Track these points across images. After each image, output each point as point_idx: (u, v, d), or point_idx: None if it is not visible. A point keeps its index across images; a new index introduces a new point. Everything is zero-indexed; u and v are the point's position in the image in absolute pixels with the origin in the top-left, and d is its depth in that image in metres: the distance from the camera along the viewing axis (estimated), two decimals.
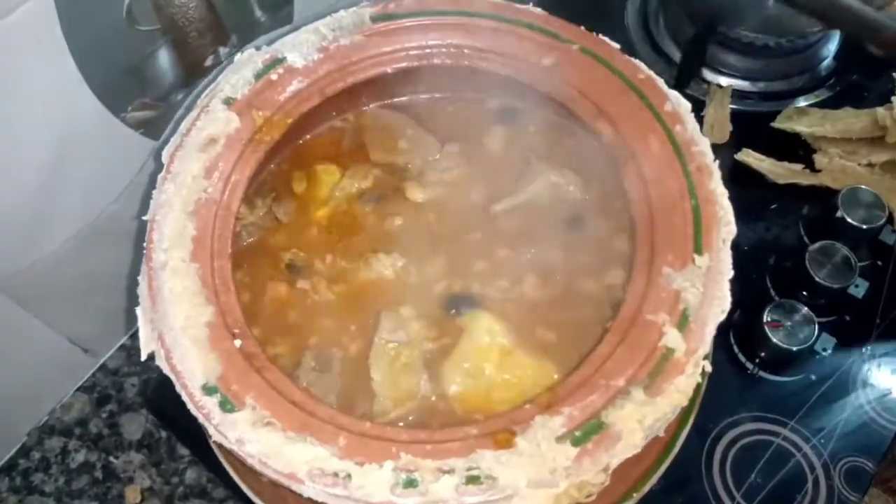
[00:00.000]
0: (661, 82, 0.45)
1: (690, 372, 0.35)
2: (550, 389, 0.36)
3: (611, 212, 0.47)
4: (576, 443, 0.33)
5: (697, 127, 0.42)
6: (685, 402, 0.35)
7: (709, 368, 0.36)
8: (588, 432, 0.34)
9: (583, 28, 0.48)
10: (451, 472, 0.33)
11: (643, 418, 0.34)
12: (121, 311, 0.68)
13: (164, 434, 0.65)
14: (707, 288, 0.37)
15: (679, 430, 0.44)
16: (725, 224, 0.39)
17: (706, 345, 0.36)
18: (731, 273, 0.38)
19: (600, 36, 0.47)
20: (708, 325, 0.36)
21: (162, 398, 0.64)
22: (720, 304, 0.37)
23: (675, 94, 0.44)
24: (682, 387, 0.35)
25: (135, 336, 0.70)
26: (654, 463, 0.43)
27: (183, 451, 0.65)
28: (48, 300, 0.60)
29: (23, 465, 0.64)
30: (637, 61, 0.46)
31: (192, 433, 0.61)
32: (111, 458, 0.64)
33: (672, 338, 0.36)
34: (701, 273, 0.37)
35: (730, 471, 0.56)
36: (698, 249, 0.38)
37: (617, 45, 0.46)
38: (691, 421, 0.45)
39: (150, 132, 0.59)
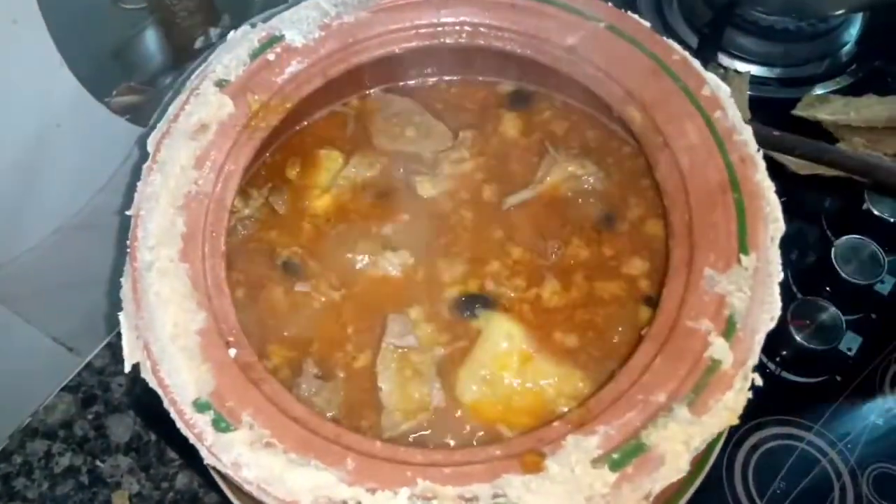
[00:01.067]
0: (697, 64, 0.41)
1: (739, 386, 0.31)
2: (581, 404, 0.33)
3: (637, 205, 0.45)
4: (614, 466, 0.30)
5: (739, 114, 0.39)
6: (735, 421, 0.31)
7: (759, 382, 0.33)
8: (627, 455, 0.30)
9: (610, 4, 0.44)
10: (474, 500, 0.29)
11: (689, 439, 0.30)
12: (106, 308, 0.66)
13: (153, 437, 0.64)
14: (755, 292, 0.34)
15: (714, 443, 0.41)
16: (773, 221, 0.36)
17: (755, 355, 0.32)
18: (780, 275, 0.35)
19: (629, 13, 0.44)
20: (758, 332, 0.33)
21: (150, 399, 0.61)
22: (770, 310, 0.33)
23: (713, 78, 0.40)
24: (731, 403, 0.31)
25: (121, 333, 0.68)
26: (687, 480, 0.39)
27: (173, 454, 0.63)
28: (30, 297, 0.59)
29: (4, 470, 0.62)
30: (670, 41, 0.42)
31: (182, 437, 0.59)
32: (97, 462, 0.63)
33: (718, 348, 0.32)
34: (748, 275, 0.34)
35: (752, 477, 0.55)
36: (744, 249, 0.35)
37: (647, 24, 0.43)
38: (724, 436, 0.42)
39: (136, 118, 0.57)
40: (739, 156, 0.37)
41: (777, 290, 0.34)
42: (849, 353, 0.59)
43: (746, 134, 0.38)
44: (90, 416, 0.64)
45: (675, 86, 0.40)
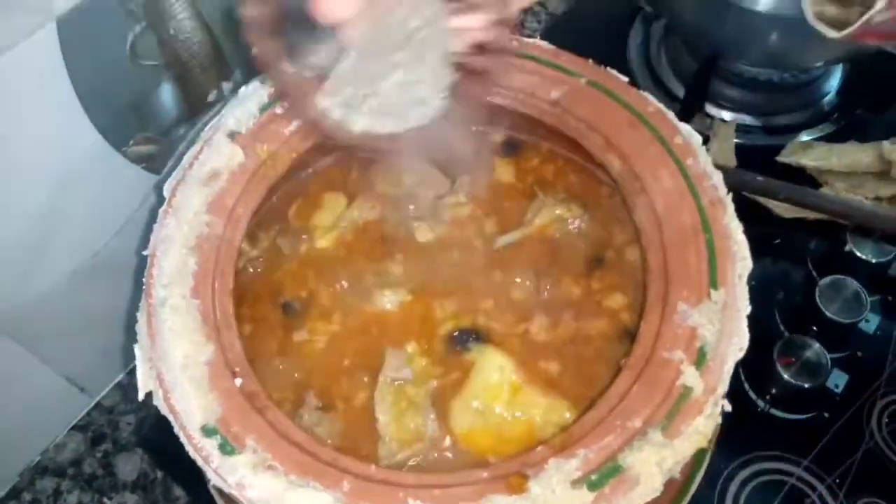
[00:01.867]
0: (671, 115, 0.44)
1: (709, 412, 0.34)
2: (564, 430, 0.35)
3: (619, 245, 0.47)
4: (592, 487, 0.32)
5: (709, 160, 0.42)
6: (705, 444, 0.33)
7: (728, 408, 0.35)
8: (605, 476, 0.32)
9: (590, 61, 0.47)
10: None
11: (662, 461, 0.32)
12: (117, 349, 0.67)
13: (159, 475, 0.64)
14: (724, 324, 0.36)
15: (695, 472, 0.42)
16: (741, 259, 0.38)
17: (724, 383, 0.35)
18: (748, 309, 0.37)
19: (608, 69, 0.47)
20: (726, 362, 0.35)
21: (158, 437, 0.63)
22: (738, 342, 0.36)
23: (685, 127, 0.43)
24: (702, 428, 0.33)
25: (131, 373, 0.69)
26: None
27: (178, 492, 0.63)
28: (45, 337, 0.59)
29: None
30: (646, 94, 0.45)
31: (188, 474, 0.60)
32: (105, 500, 0.63)
33: (690, 376, 0.35)
34: (717, 309, 0.36)
35: None
36: (714, 284, 0.37)
37: (625, 78, 0.46)
38: (706, 462, 0.44)
39: (152, 167, 0.58)
40: (710, 199, 0.40)
41: (745, 322, 0.36)
42: (836, 389, 0.59)
43: (716, 179, 0.41)
44: (99, 455, 0.65)
45: (651, 135, 0.43)
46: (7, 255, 0.52)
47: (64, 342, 0.61)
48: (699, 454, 0.42)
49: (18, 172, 0.49)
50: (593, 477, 0.32)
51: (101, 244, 0.59)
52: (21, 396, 0.60)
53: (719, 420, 0.34)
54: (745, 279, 0.38)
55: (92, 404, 0.67)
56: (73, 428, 0.66)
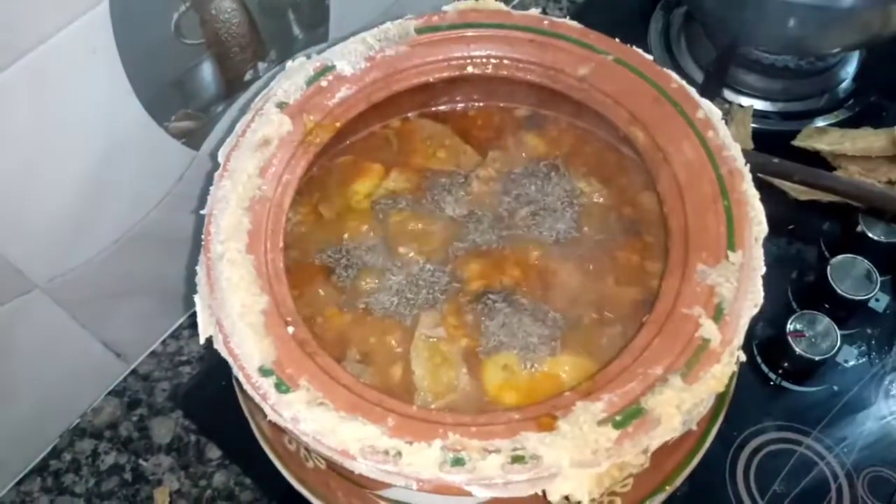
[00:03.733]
0: (693, 91, 0.46)
1: (726, 361, 0.36)
2: (590, 378, 0.38)
3: (637, 217, 0.49)
4: (617, 426, 0.35)
5: (728, 133, 0.44)
6: (721, 389, 0.36)
7: (743, 358, 0.37)
8: (628, 417, 0.35)
9: (617, 40, 0.50)
10: (497, 451, 0.34)
11: (681, 403, 0.35)
12: (154, 317, 0.70)
13: (192, 438, 0.67)
14: (741, 283, 0.38)
15: (710, 426, 0.45)
16: (757, 223, 0.41)
17: (740, 336, 0.37)
18: (763, 269, 0.39)
19: (634, 47, 0.49)
20: (742, 317, 0.38)
21: (194, 401, 0.65)
22: (753, 298, 0.38)
23: (706, 102, 0.46)
24: (719, 374, 0.36)
25: (165, 343, 0.71)
26: (686, 456, 0.44)
27: (211, 454, 0.66)
28: (86, 303, 0.61)
29: (54, 467, 0.65)
30: (669, 71, 0.48)
31: (222, 432, 0.63)
32: (140, 461, 0.65)
33: (708, 329, 0.37)
34: (735, 269, 0.39)
35: (753, 479, 0.57)
36: (731, 247, 0.40)
37: (650, 56, 0.48)
38: (722, 416, 0.46)
39: (191, 142, 0.61)
40: (728, 169, 0.42)
41: (759, 281, 0.39)
42: (846, 364, 0.61)
43: (735, 150, 0.43)
44: (135, 419, 0.67)
45: (674, 110, 0.45)
46: (55, 224, 0.54)
47: (103, 309, 0.63)
48: (715, 410, 0.45)
49: (68, 144, 0.52)
50: (618, 417, 0.35)
51: (141, 215, 0.61)
52: (62, 361, 0.63)
53: (735, 368, 0.37)
54: (760, 242, 0.40)
55: (128, 371, 0.69)
56: (109, 393, 0.68)
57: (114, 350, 0.68)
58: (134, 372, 0.70)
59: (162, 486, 0.64)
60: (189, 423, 0.67)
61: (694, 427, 0.38)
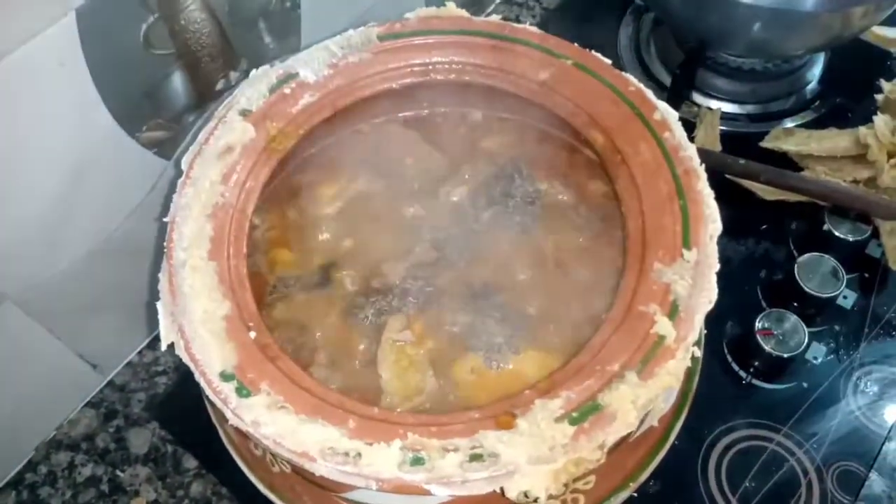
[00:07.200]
0: (650, 93, 0.47)
1: (681, 357, 0.37)
2: (549, 376, 0.38)
3: (598, 216, 0.50)
4: (573, 422, 0.35)
5: (685, 133, 0.45)
6: (676, 385, 0.36)
7: (698, 354, 0.38)
8: (585, 413, 0.36)
9: (576, 45, 0.50)
10: (455, 450, 0.35)
11: (636, 399, 0.36)
12: (129, 328, 0.69)
13: (169, 448, 0.66)
14: (695, 280, 0.39)
15: (673, 422, 0.45)
16: (712, 221, 0.41)
17: (695, 332, 0.38)
18: (717, 266, 0.40)
19: (592, 52, 0.50)
20: (697, 313, 0.38)
21: (170, 411, 0.65)
22: (708, 295, 0.39)
23: (663, 104, 0.47)
24: (673, 370, 0.37)
25: (141, 353, 0.71)
26: (649, 454, 0.44)
27: (188, 464, 0.66)
28: (60, 315, 0.61)
29: (29, 480, 0.64)
30: (627, 74, 0.48)
31: (198, 442, 0.63)
32: (118, 472, 0.65)
33: (663, 326, 0.38)
34: (689, 266, 0.40)
35: (725, 476, 0.57)
36: (686, 245, 0.40)
37: (608, 61, 0.49)
38: (685, 413, 0.47)
39: (163, 152, 0.61)
40: (685, 169, 0.43)
41: (714, 278, 0.40)
42: (814, 361, 0.62)
43: (690, 150, 0.44)
44: (111, 430, 0.66)
45: (632, 112, 0.46)
46: (26, 235, 0.54)
47: (78, 321, 0.63)
48: (678, 407, 0.46)
49: (38, 156, 0.51)
50: (575, 414, 0.36)
51: (114, 226, 0.61)
52: (37, 373, 0.62)
53: (689, 364, 0.37)
54: (715, 240, 0.41)
55: (104, 382, 0.69)
56: (85, 405, 0.68)
57: (89, 361, 0.68)
58: (110, 383, 0.69)
59: (139, 497, 0.64)
60: (165, 434, 0.66)
61: (655, 424, 0.38)
